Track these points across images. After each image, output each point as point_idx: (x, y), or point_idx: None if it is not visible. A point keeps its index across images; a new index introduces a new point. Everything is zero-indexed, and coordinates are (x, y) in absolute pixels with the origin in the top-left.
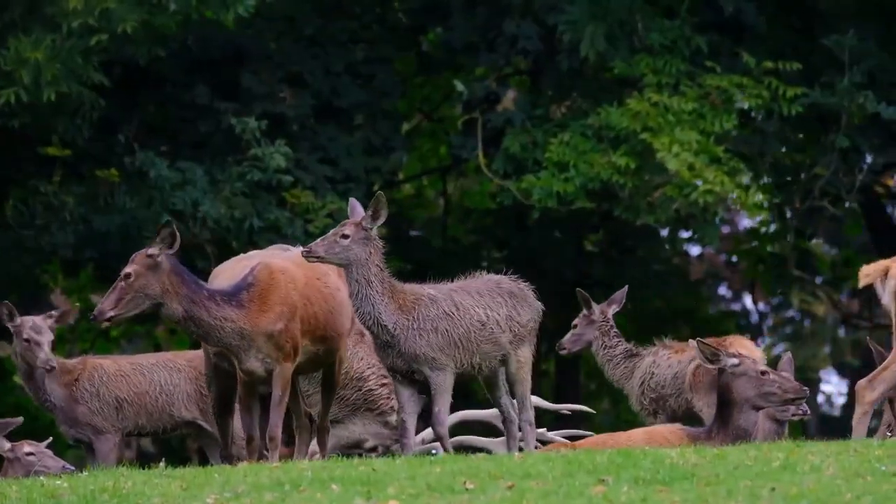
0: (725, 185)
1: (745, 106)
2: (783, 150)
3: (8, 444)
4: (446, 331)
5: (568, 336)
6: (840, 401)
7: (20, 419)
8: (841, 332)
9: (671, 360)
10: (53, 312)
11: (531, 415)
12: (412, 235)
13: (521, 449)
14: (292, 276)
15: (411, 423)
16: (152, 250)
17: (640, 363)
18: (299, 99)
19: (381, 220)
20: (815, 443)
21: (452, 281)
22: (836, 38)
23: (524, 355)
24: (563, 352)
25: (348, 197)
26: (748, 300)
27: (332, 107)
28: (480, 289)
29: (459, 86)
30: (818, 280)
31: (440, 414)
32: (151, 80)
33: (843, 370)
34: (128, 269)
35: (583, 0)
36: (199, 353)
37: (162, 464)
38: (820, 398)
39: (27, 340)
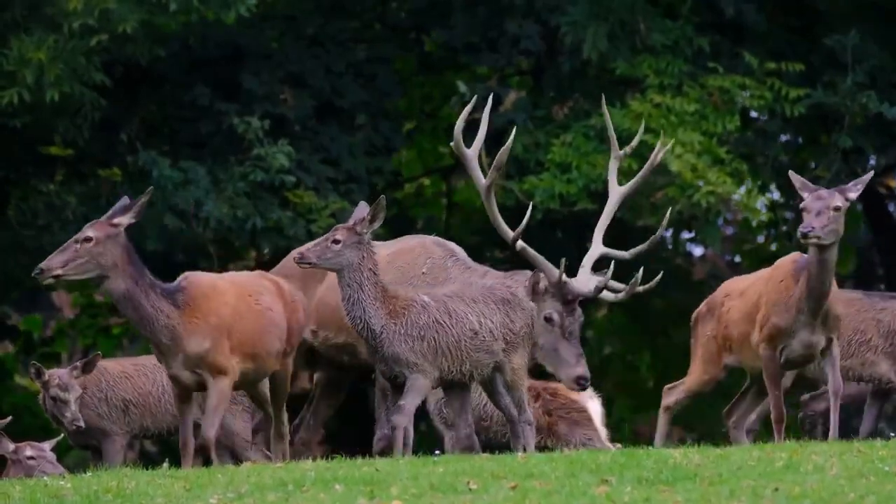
0: (728, 186)
1: (746, 104)
2: (785, 151)
3: (12, 446)
4: (433, 339)
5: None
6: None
7: (8, 418)
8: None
9: None
10: (78, 364)
11: (530, 415)
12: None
13: (524, 449)
14: (223, 292)
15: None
16: (119, 219)
17: None
18: (300, 99)
19: (378, 224)
20: (818, 443)
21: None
22: (838, 38)
23: (518, 362)
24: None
25: (350, 197)
26: None
27: (333, 107)
28: (475, 296)
29: (462, 86)
30: None
31: (405, 406)
32: (153, 80)
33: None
34: (88, 233)
35: (584, 0)
36: None
37: (165, 464)
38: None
39: (54, 399)
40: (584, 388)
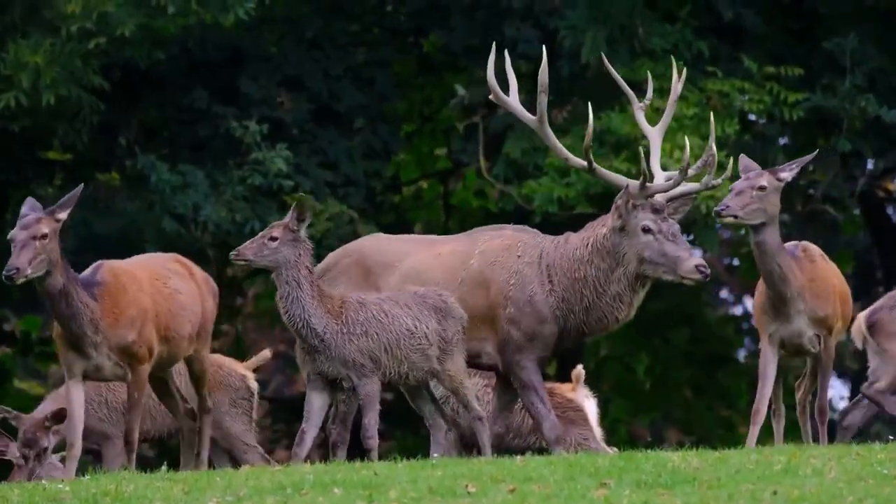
0: (726, 190)
1: (745, 108)
2: (784, 154)
3: (18, 452)
4: (377, 335)
5: None
6: (841, 405)
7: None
8: (842, 336)
9: None
10: (49, 415)
11: (479, 411)
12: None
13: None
14: (136, 278)
15: (311, 436)
16: (61, 215)
17: None
18: (298, 103)
19: (307, 223)
20: (816, 446)
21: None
22: (837, 42)
23: (453, 369)
24: None
25: (349, 201)
26: (749, 304)
27: (331, 110)
28: (408, 301)
29: (460, 89)
30: None
31: (370, 426)
32: (151, 84)
33: (843, 374)
34: (44, 230)
35: (583, 4)
36: None
37: (164, 467)
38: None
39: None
40: (706, 277)
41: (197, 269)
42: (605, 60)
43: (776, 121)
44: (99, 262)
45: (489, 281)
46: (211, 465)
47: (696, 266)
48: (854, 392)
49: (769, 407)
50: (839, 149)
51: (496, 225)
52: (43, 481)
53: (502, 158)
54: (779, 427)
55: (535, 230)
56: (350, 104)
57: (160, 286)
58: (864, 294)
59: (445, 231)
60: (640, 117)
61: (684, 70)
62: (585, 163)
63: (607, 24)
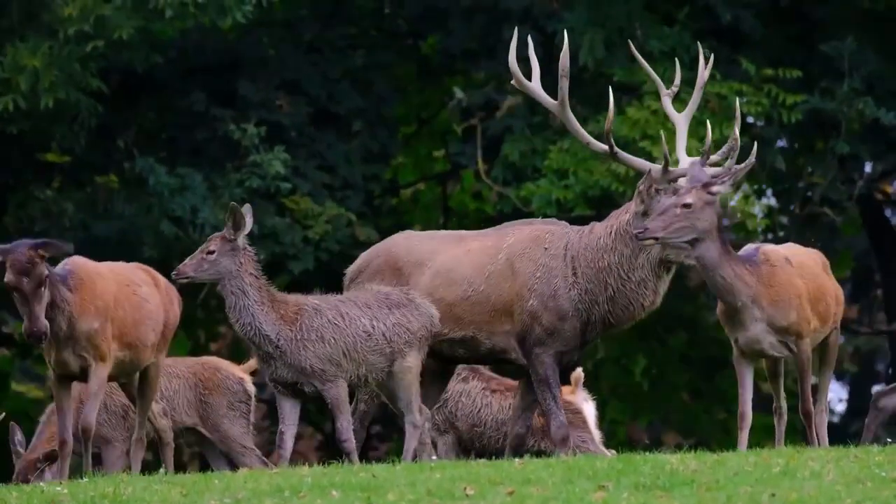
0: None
1: (743, 110)
2: (782, 157)
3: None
4: (334, 340)
5: None
6: (839, 407)
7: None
8: (840, 338)
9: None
10: (41, 456)
11: (416, 417)
12: None
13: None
14: (104, 277)
15: (290, 435)
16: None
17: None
18: (296, 106)
19: (245, 231)
20: (815, 449)
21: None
22: (835, 45)
23: (411, 363)
24: None
25: (346, 203)
26: None
27: (329, 113)
28: (368, 300)
29: (458, 92)
30: None
31: (343, 430)
32: (150, 87)
33: (842, 376)
34: (45, 272)
35: (582, 7)
36: (199, 359)
37: (162, 470)
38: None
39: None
40: None
41: (161, 278)
42: (632, 47)
43: (774, 123)
44: (70, 258)
45: (516, 272)
46: (209, 467)
47: None
48: (853, 394)
49: (771, 406)
50: (837, 151)
51: (526, 219)
52: (41, 484)
53: (501, 161)
54: (780, 427)
55: (563, 222)
56: (348, 107)
57: (129, 293)
58: (862, 296)
59: None
60: (668, 104)
61: (711, 57)
62: (607, 147)
63: (606, 27)
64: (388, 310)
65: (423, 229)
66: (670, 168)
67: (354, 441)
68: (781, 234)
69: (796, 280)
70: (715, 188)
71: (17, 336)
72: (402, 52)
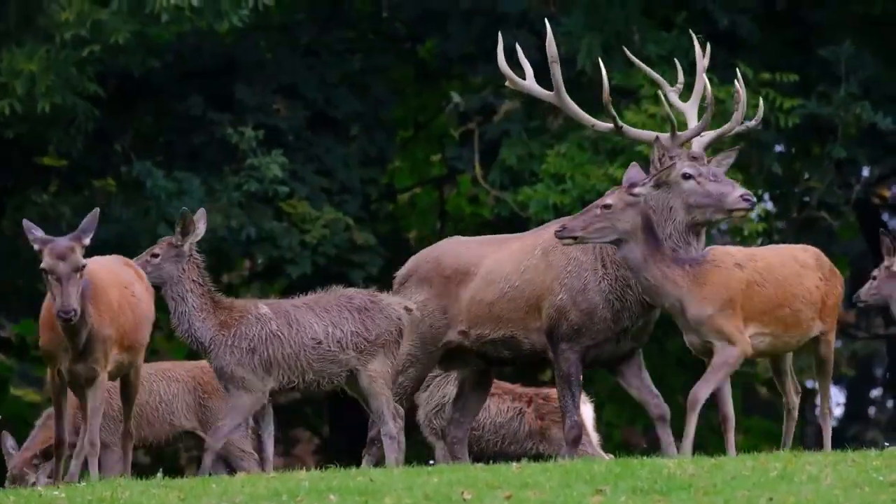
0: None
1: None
2: (778, 161)
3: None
4: (266, 352)
5: (866, 287)
6: (837, 411)
7: None
8: (837, 343)
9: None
10: (38, 452)
11: (391, 428)
12: (408, 249)
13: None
14: (109, 284)
15: (269, 438)
16: (87, 241)
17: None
18: (293, 110)
19: (192, 238)
20: (812, 453)
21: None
22: (832, 49)
23: (376, 369)
24: (861, 304)
25: (344, 207)
26: None
27: (327, 117)
28: (329, 304)
29: (455, 96)
30: None
31: (221, 428)
32: (147, 91)
33: (839, 381)
34: (81, 261)
35: (579, 11)
36: (198, 363)
37: (159, 474)
38: (816, 409)
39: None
40: (752, 205)
41: (141, 271)
42: (629, 53)
43: (771, 127)
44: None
45: (549, 266)
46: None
47: (741, 196)
48: (850, 398)
49: (769, 410)
50: (834, 156)
51: (563, 217)
52: (38, 488)
53: (498, 165)
54: (788, 426)
55: None
56: (346, 111)
57: (128, 295)
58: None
59: (441, 237)
60: (675, 99)
61: (707, 45)
62: (611, 125)
63: (603, 31)
64: (348, 313)
65: (420, 234)
66: (678, 133)
67: (220, 444)
68: (777, 238)
69: (734, 283)
70: (637, 189)
71: (13, 338)
72: (400, 55)
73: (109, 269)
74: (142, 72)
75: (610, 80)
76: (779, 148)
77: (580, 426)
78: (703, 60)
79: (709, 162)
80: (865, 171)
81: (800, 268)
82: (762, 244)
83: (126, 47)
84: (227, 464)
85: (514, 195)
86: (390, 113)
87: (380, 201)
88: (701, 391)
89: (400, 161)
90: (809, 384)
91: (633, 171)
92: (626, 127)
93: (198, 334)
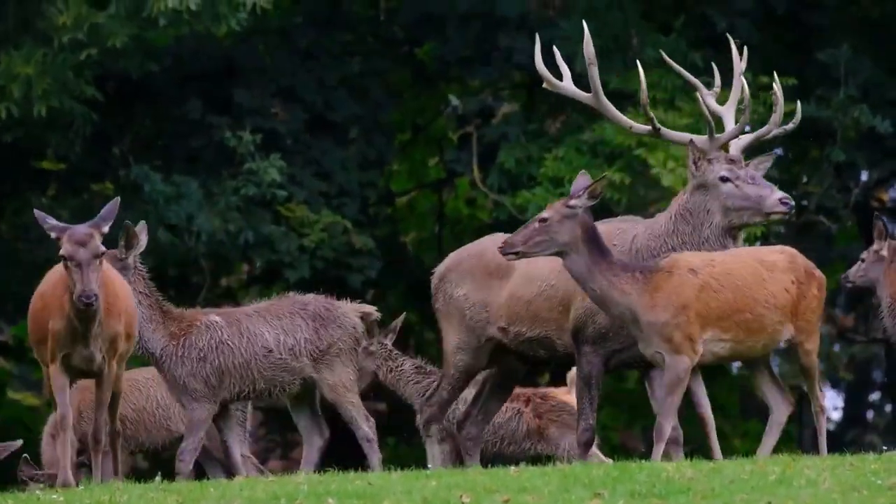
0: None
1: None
2: (777, 165)
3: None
4: (216, 360)
5: (854, 269)
6: (835, 415)
7: (19, 442)
8: (836, 347)
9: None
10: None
11: (367, 431)
12: (406, 253)
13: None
14: (111, 269)
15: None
16: (105, 229)
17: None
18: (292, 113)
19: (136, 250)
20: (811, 457)
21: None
22: (831, 53)
23: (334, 378)
24: (849, 284)
25: (343, 211)
26: None
27: (325, 121)
28: (282, 312)
29: (454, 99)
30: None
31: (185, 451)
32: (145, 95)
33: (837, 385)
34: (102, 247)
35: (578, 16)
36: None
37: (157, 478)
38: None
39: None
40: (790, 208)
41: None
42: (665, 56)
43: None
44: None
45: None
46: (203, 476)
47: (780, 199)
48: (849, 402)
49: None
50: (833, 159)
51: (606, 219)
52: (37, 492)
53: (496, 168)
54: (820, 426)
55: (638, 217)
56: (344, 114)
57: (124, 285)
58: (858, 304)
59: (439, 242)
60: (711, 102)
61: (745, 48)
62: (649, 127)
63: (602, 36)
64: (301, 321)
65: (418, 238)
66: (716, 135)
67: (191, 466)
68: (774, 241)
69: (686, 290)
70: (573, 202)
71: (11, 340)
72: (398, 59)
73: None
74: (140, 75)
75: (608, 83)
76: (777, 151)
77: (593, 430)
78: (740, 63)
79: (746, 165)
80: (864, 175)
81: (765, 271)
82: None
83: (124, 51)
84: (226, 468)
85: (512, 199)
86: (389, 116)
87: (378, 205)
88: (665, 421)
89: (398, 164)
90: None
91: (582, 180)
92: (664, 130)
93: (148, 345)
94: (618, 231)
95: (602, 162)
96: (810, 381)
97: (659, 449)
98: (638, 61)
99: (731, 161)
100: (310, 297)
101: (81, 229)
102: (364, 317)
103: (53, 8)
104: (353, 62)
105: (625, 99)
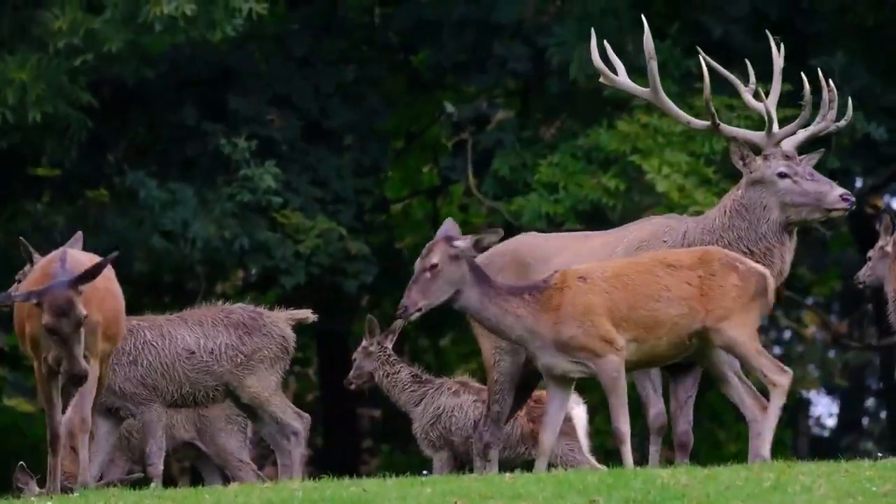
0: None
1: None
2: None
3: (38, 489)
4: (147, 362)
5: (863, 269)
6: (830, 422)
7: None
8: (830, 353)
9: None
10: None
11: (294, 425)
12: (402, 259)
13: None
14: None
15: (96, 458)
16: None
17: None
18: (287, 120)
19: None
20: (805, 463)
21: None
22: (826, 60)
23: (256, 385)
24: (860, 285)
25: (338, 217)
26: None
27: (320, 127)
28: (203, 318)
29: (449, 107)
30: (809, 301)
31: (151, 454)
32: (140, 101)
33: (832, 391)
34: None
35: (572, 22)
36: None
37: (153, 484)
38: (810, 420)
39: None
40: (851, 205)
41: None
42: (702, 54)
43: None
44: (63, 250)
45: None
46: (199, 482)
47: (840, 195)
48: (844, 408)
49: None
50: (827, 166)
51: (647, 217)
52: (32, 499)
53: (491, 175)
54: (773, 400)
55: (681, 216)
56: (340, 121)
57: (110, 284)
58: (854, 309)
59: None
60: (750, 98)
61: (781, 45)
62: (709, 122)
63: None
64: (223, 328)
65: (414, 244)
66: (774, 131)
67: (161, 467)
68: None
69: (586, 297)
70: (457, 243)
71: (6, 347)
72: (394, 65)
73: (91, 259)
74: (135, 81)
75: (602, 89)
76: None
77: (664, 415)
78: (779, 60)
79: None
80: (859, 182)
81: (662, 268)
82: None
83: (119, 56)
84: (223, 474)
85: (507, 205)
86: (384, 123)
87: (373, 211)
88: (621, 424)
89: (393, 171)
90: (804, 394)
91: (448, 226)
92: (723, 126)
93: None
94: (666, 228)
95: (596, 168)
96: (749, 364)
97: (626, 450)
98: (701, 52)
99: (788, 157)
100: (236, 306)
101: (61, 295)
102: (299, 323)
103: (49, 13)
104: (348, 69)
105: (619, 106)
